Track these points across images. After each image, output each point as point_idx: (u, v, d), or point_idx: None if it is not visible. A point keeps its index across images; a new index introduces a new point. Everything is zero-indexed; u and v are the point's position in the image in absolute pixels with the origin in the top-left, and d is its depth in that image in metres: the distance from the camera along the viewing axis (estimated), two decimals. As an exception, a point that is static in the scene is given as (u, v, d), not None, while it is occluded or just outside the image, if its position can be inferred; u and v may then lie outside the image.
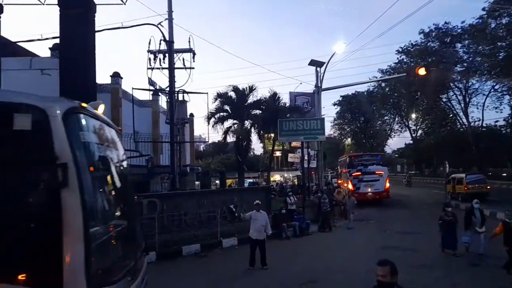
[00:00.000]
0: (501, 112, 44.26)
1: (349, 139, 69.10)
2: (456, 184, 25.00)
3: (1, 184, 3.08)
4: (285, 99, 27.19)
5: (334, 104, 62.41)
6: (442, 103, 47.39)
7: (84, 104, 3.46)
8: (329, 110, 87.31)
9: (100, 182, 3.55)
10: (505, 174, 42.03)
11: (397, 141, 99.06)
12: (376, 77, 48.94)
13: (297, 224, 15.11)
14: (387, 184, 24.73)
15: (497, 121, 42.97)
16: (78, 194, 2.98)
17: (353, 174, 24.98)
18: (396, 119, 59.56)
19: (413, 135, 58.26)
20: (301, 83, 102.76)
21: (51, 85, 10.35)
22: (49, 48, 16.76)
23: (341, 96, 60.95)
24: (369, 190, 24.11)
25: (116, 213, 3.89)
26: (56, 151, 2.98)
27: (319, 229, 16.24)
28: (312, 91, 20.49)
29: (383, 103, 55.30)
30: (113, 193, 3.86)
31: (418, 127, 57.46)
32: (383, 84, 53.48)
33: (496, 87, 41.06)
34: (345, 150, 64.36)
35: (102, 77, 77.81)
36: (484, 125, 44.89)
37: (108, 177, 3.78)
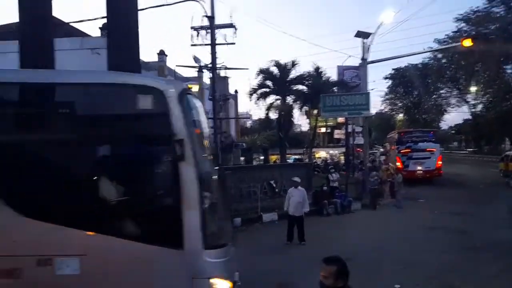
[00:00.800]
0: None
1: (401, 115, 65.90)
2: (510, 161, 23.18)
3: (128, 157, 3.66)
4: (330, 73, 26.34)
5: (386, 78, 59.52)
6: (506, 74, 43.30)
7: (190, 86, 3.79)
8: (379, 84, 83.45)
9: (204, 155, 3.95)
10: None
11: (454, 116, 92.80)
12: (432, 48, 45.68)
13: (338, 201, 14.90)
14: (439, 162, 23.45)
15: None
16: (193, 166, 3.42)
17: (401, 151, 23.93)
18: (454, 93, 55.61)
19: (472, 110, 54.22)
20: (350, 56, 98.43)
21: (101, 64, 10.81)
22: (99, 28, 17.48)
23: (393, 69, 57.90)
24: (419, 168, 23.01)
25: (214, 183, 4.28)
26: (174, 128, 3.38)
27: (363, 206, 15.93)
28: (358, 65, 19.63)
29: (439, 76, 51.73)
30: (210, 164, 4.32)
31: (477, 101, 53.27)
32: (439, 56, 49.86)
33: None
34: (396, 126, 61.59)
35: (147, 55, 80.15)
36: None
37: (207, 150, 4.22)
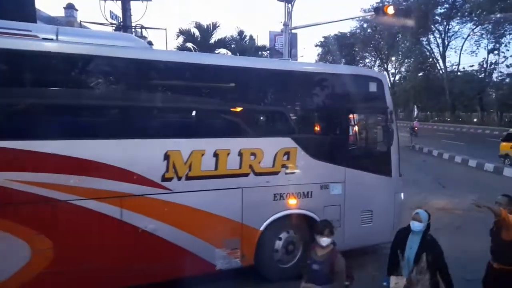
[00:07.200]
0: (476, 56, 44.11)
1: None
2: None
3: (366, 122, 6.33)
4: (263, 39, 25.78)
5: (316, 46, 60.92)
6: (421, 46, 46.66)
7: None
8: (311, 51, 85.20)
9: None
10: (475, 120, 43.09)
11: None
12: (359, 18, 47.32)
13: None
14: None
15: (472, 66, 42.99)
16: (396, 127, 6.19)
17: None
18: (377, 62, 58.89)
19: (392, 78, 58.09)
20: (281, 22, 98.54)
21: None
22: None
23: (323, 37, 59.27)
24: None
25: None
26: (387, 103, 6.17)
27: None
28: (280, 31, 19.49)
29: (364, 45, 54.17)
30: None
31: (396, 70, 57.15)
32: (365, 25, 51.97)
33: (476, 30, 40.47)
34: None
35: (54, 9, 72.98)
36: (460, 69, 44.93)
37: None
